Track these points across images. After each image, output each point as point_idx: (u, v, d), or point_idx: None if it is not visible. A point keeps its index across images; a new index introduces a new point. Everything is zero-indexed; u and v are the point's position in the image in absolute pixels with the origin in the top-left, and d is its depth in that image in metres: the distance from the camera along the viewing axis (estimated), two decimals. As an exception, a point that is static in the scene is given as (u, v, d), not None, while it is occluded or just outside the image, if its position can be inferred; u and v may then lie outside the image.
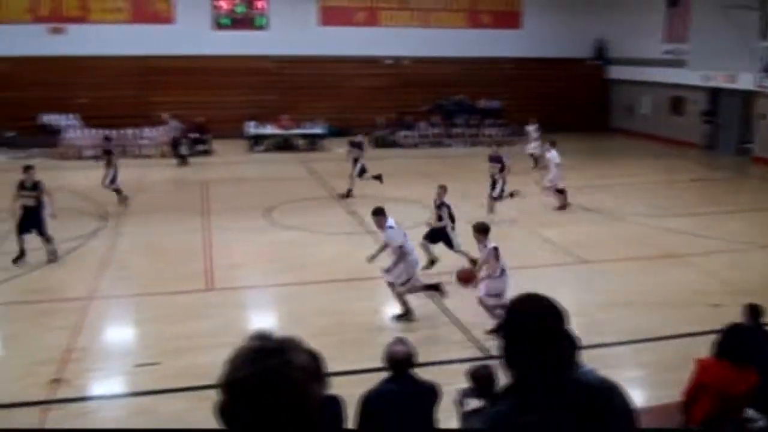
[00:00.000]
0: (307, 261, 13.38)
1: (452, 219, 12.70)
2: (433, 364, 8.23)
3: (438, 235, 12.75)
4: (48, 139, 26.26)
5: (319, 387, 1.92)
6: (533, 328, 2.41)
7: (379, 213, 10.64)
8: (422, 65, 31.12)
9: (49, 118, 27.51)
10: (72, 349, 9.41)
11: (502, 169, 16.37)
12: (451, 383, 6.44)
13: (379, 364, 5.84)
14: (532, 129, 23.74)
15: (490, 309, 9.92)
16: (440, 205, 12.76)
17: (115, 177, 17.64)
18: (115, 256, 13.58)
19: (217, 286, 11.94)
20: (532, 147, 23.40)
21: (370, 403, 5.43)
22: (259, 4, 30.12)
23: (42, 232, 12.98)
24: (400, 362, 5.61)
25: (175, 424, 7.56)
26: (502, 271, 9.97)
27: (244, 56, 29.28)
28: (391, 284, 10.52)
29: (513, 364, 2.43)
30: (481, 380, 5.82)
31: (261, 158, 25.75)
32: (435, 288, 10.76)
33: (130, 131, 26.23)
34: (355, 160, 18.89)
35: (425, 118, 29.79)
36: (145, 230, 15.59)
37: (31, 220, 12.89)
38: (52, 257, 13.09)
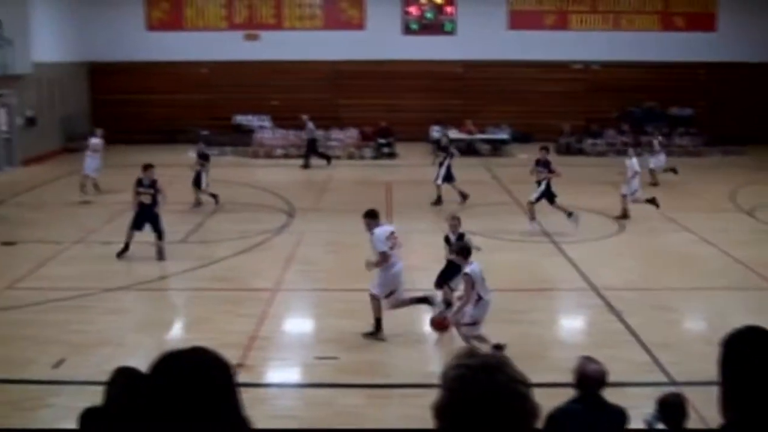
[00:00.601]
0: (488, 267, 13.09)
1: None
2: (614, 385, 7.76)
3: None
4: (240, 138, 27.84)
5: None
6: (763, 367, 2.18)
7: (369, 215, 10.05)
8: (611, 70, 29.93)
9: (242, 119, 29.20)
10: (256, 336, 9.79)
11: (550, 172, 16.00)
12: (633, 407, 5.97)
13: (557, 379, 5.54)
14: (656, 142, 22.03)
15: (464, 337, 9.21)
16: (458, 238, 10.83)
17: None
18: (300, 251, 14.05)
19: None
20: (655, 161, 21.48)
21: (556, 422, 5.13)
22: (449, 9, 30.26)
23: (157, 228, 13.45)
24: (591, 382, 5.30)
25: (350, 419, 7.63)
26: (479, 298, 9.11)
27: (431, 61, 29.51)
28: (374, 297, 9.82)
29: (739, 402, 2.27)
30: (670, 408, 5.39)
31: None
32: (424, 301, 10.06)
33: (319, 132, 27.16)
34: (440, 165, 18.77)
35: (613, 126, 28.62)
36: (330, 228, 16.03)
37: (146, 217, 13.39)
38: (161, 256, 13.45)
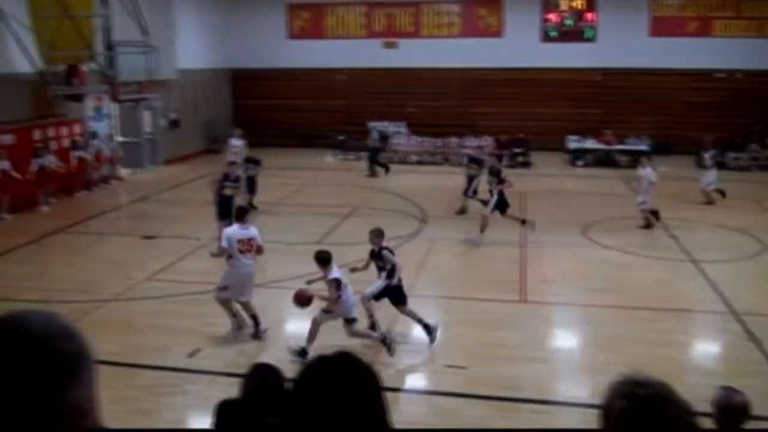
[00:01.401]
0: (623, 284, 12.69)
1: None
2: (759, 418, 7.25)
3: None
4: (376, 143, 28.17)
5: None
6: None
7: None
8: (756, 79, 28.24)
9: (378, 125, 29.53)
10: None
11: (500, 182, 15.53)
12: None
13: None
14: (707, 156, 20.19)
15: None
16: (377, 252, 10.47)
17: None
18: (431, 258, 14.04)
19: (530, 298, 11.78)
20: (708, 180, 19.58)
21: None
22: (589, 16, 29.52)
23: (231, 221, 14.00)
24: (736, 415, 4.95)
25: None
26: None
27: (569, 68, 28.87)
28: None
29: None
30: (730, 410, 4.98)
31: (581, 173, 25.19)
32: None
33: (453, 140, 27.15)
34: (471, 178, 17.99)
35: (759, 139, 26.92)
36: (461, 235, 15.93)
37: (229, 208, 13.73)
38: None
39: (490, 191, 15.83)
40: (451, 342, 10.12)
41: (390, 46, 30.71)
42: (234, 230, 10.35)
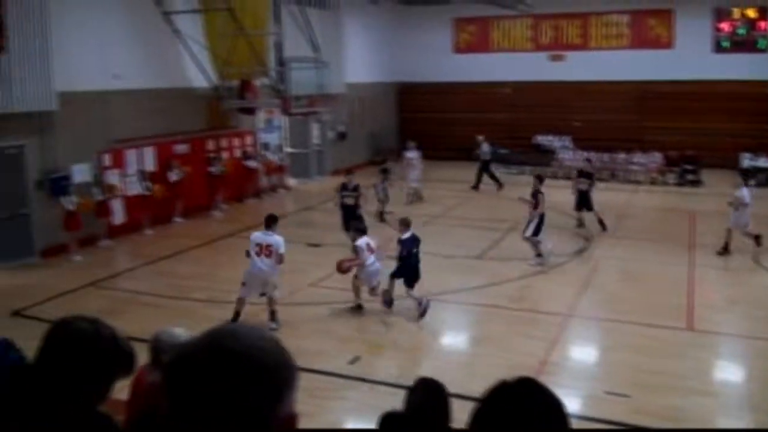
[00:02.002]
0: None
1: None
2: None
3: None
4: (540, 158, 27.79)
5: None
6: None
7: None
8: None
9: (543, 139, 29.15)
10: (546, 361, 9.65)
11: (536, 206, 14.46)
12: None
13: None
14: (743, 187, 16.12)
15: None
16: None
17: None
18: (596, 278, 13.67)
19: (697, 326, 11.17)
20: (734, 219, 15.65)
21: None
22: (762, 25, 27.71)
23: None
24: None
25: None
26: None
27: (743, 81, 27.16)
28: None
29: None
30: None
31: (754, 193, 23.56)
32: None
33: (621, 155, 26.26)
34: (581, 192, 17.79)
35: None
36: (627, 256, 15.43)
37: (351, 217, 15.08)
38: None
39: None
40: (612, 368, 9.78)
41: (557, 58, 30.24)
42: (257, 234, 11.14)
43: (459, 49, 31.94)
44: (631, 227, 18.27)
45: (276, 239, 10.93)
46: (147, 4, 18.05)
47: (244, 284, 11.12)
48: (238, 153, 21.79)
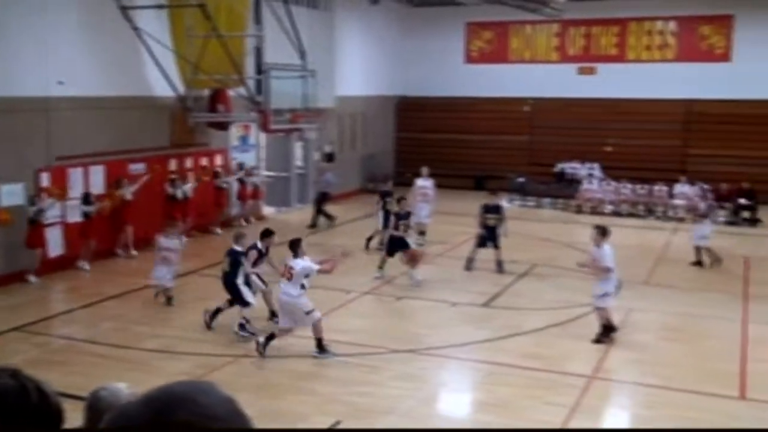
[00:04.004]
0: None
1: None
2: None
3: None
4: (563, 188, 27.83)
5: None
6: None
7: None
8: None
9: (567, 166, 29.14)
10: (565, 432, 9.52)
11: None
12: None
13: None
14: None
15: None
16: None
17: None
18: (627, 333, 13.52)
19: (752, 395, 11.02)
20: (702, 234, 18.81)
21: None
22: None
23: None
24: None
25: None
26: None
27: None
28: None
29: None
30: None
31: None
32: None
33: (660, 187, 26.15)
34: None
35: None
36: (667, 308, 15.29)
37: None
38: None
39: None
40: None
41: (587, 72, 30.40)
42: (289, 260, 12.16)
43: (472, 59, 32.16)
44: (672, 274, 18.15)
45: (297, 262, 11.95)
46: (102, -3, 17.96)
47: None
48: (206, 176, 21.68)
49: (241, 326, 12.99)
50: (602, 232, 13.10)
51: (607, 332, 12.89)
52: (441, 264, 18.38)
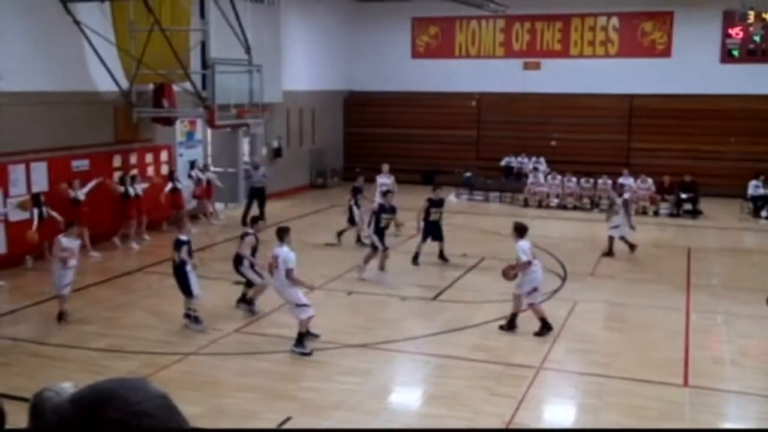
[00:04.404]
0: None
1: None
2: None
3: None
4: (510, 183, 28.08)
5: None
6: None
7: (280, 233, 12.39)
8: None
9: (513, 160, 29.40)
10: (511, 422, 9.61)
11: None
12: None
13: None
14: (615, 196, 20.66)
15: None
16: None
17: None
18: (573, 324, 13.70)
19: (694, 383, 11.23)
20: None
21: None
22: (783, 31, 28.49)
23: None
24: None
25: None
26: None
27: (755, 95, 27.82)
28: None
29: None
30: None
31: (766, 226, 24.13)
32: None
33: (605, 180, 26.46)
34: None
35: None
36: (611, 298, 15.52)
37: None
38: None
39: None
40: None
41: (532, 67, 30.71)
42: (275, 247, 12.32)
43: (419, 54, 32.28)
44: (616, 265, 18.41)
45: (282, 251, 12.05)
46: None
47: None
48: (151, 171, 21.44)
49: (187, 316, 13.04)
50: (516, 228, 13.34)
51: (546, 327, 13.03)
52: (390, 259, 18.42)
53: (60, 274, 13.40)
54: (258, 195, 22.85)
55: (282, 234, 12.32)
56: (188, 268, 13.09)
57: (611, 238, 19.22)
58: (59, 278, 13.40)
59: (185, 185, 22.14)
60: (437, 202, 18.12)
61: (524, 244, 13.11)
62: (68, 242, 13.56)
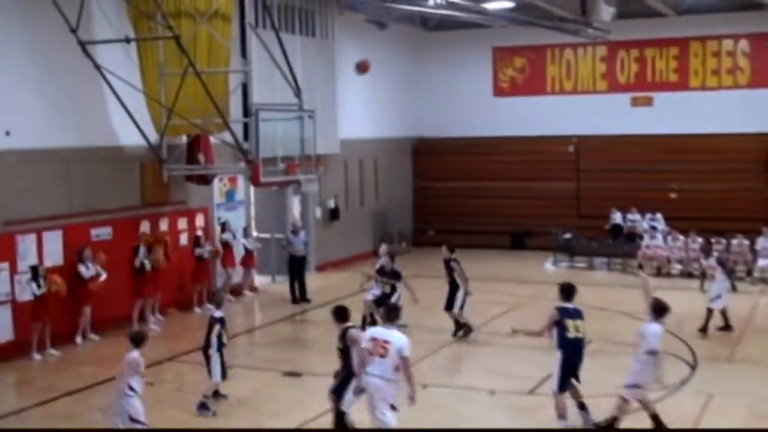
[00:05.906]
0: None
1: None
2: None
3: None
4: (619, 245, 27.68)
5: None
6: None
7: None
8: None
9: (622, 217, 28.98)
10: None
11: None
12: None
13: None
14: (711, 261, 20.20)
15: None
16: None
17: None
18: (709, 421, 13.33)
19: None
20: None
21: None
22: None
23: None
24: None
25: None
26: None
27: None
28: None
29: None
30: None
31: None
32: None
33: (740, 241, 25.77)
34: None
35: None
36: (756, 390, 15.07)
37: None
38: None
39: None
40: None
41: (641, 102, 30.50)
42: (377, 328, 11.56)
43: (501, 91, 32.32)
44: (758, 348, 18.05)
45: (398, 336, 11.00)
46: (58, 29, 17.75)
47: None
48: (184, 239, 21.60)
49: (202, 405, 13.43)
50: (655, 308, 12.81)
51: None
52: (475, 342, 18.21)
53: (135, 402, 11.66)
54: (299, 266, 22.87)
55: (390, 314, 11.49)
56: (210, 350, 13.39)
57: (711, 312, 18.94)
58: (135, 407, 11.56)
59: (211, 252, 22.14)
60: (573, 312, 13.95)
61: (657, 328, 12.63)
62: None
